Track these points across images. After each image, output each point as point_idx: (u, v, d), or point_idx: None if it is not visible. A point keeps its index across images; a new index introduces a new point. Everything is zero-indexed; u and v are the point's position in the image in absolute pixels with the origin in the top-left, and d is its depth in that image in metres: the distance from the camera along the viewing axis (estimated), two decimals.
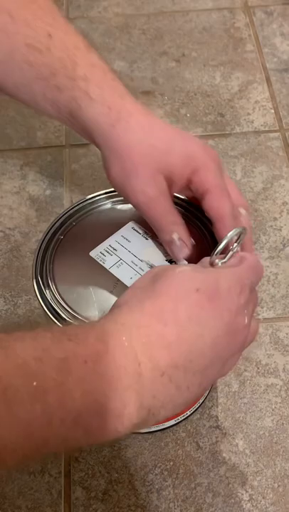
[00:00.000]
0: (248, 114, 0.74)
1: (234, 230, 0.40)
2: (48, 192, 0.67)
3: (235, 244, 0.39)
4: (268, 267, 0.61)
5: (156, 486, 0.49)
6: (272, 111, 0.74)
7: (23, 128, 0.73)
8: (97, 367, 0.31)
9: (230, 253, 0.39)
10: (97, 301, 0.43)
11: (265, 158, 0.70)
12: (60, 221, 0.48)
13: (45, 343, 0.31)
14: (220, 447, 0.51)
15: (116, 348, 0.32)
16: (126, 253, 0.46)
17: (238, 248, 0.40)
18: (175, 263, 0.45)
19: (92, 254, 0.46)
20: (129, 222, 0.48)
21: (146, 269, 0.45)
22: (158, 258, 0.46)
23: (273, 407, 0.53)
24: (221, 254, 0.39)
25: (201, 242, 0.46)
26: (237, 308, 0.37)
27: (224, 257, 0.39)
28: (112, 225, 0.48)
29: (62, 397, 0.30)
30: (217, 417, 0.53)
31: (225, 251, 0.39)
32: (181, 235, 0.44)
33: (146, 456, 0.51)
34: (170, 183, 0.44)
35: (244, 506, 0.49)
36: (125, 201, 0.48)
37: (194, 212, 0.48)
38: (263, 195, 0.66)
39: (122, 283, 0.44)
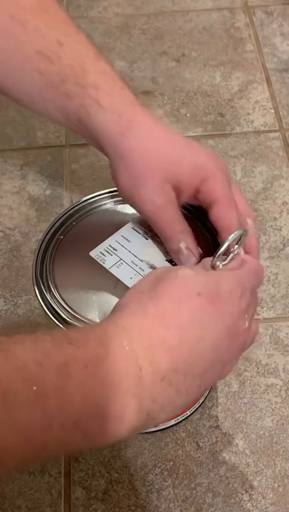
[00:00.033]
0: (248, 114, 0.74)
1: (235, 233, 0.40)
2: (48, 192, 0.67)
3: (236, 246, 0.40)
4: (268, 266, 0.61)
5: (156, 486, 0.49)
6: (272, 111, 0.74)
7: (23, 128, 0.73)
8: (97, 371, 0.31)
9: (231, 255, 0.39)
10: (97, 301, 0.43)
11: (265, 158, 0.70)
12: (60, 221, 0.48)
13: (46, 347, 0.31)
14: (220, 447, 0.51)
15: (116, 351, 0.32)
16: (126, 253, 0.46)
17: (239, 250, 0.40)
18: (175, 263, 0.45)
19: (92, 254, 0.46)
20: (129, 222, 0.48)
21: (147, 269, 0.45)
22: (158, 258, 0.46)
23: (273, 407, 0.53)
24: (223, 255, 0.40)
25: (200, 241, 0.45)
26: (238, 312, 0.37)
27: (225, 259, 0.39)
28: (112, 225, 0.48)
29: (63, 401, 0.30)
30: (217, 417, 0.53)
31: (226, 253, 0.40)
32: (188, 243, 0.43)
33: (146, 456, 0.51)
34: (178, 192, 0.44)
35: (244, 506, 0.49)
36: (125, 201, 0.48)
37: (194, 212, 0.48)
38: (263, 195, 0.66)
39: (122, 283, 0.44)
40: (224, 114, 0.74)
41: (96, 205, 0.49)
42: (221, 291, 0.36)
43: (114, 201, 0.50)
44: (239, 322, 0.37)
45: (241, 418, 0.53)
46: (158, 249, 0.46)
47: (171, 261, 0.45)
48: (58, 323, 0.42)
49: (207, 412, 0.53)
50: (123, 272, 0.45)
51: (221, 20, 0.84)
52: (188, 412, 0.52)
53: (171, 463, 0.50)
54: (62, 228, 0.47)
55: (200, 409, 0.53)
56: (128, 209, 0.48)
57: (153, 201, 0.43)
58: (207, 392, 0.53)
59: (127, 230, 0.48)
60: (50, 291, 0.43)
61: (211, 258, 0.40)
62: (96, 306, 0.43)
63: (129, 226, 0.48)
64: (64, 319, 0.42)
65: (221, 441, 0.51)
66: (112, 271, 0.45)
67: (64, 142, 0.71)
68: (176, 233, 0.44)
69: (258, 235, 0.63)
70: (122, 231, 0.47)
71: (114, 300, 0.43)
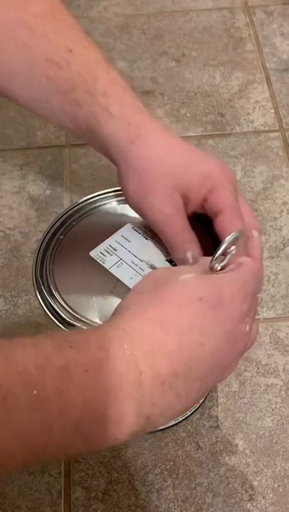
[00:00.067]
0: (248, 113, 0.74)
1: (231, 235, 0.40)
2: (48, 192, 0.67)
3: (233, 247, 0.40)
4: (268, 266, 0.61)
5: (156, 486, 0.49)
6: (272, 111, 0.74)
7: (23, 128, 0.73)
8: (98, 375, 0.31)
9: (229, 256, 0.39)
10: (97, 301, 0.43)
11: (265, 158, 0.70)
12: (60, 221, 0.48)
13: (46, 350, 0.31)
14: (220, 447, 0.51)
15: (117, 355, 0.32)
16: (126, 253, 0.46)
17: (236, 251, 0.40)
18: (175, 263, 0.45)
19: (92, 254, 0.46)
20: (129, 222, 0.48)
21: (147, 269, 0.45)
22: (158, 258, 0.46)
23: (273, 407, 0.53)
24: (221, 256, 0.40)
25: (205, 249, 0.45)
26: (240, 317, 0.37)
27: (223, 260, 0.39)
28: (112, 225, 0.48)
29: (63, 404, 0.29)
30: (217, 417, 0.53)
31: (224, 255, 0.40)
32: (194, 253, 0.43)
33: (146, 456, 0.51)
34: (186, 201, 0.43)
35: (244, 506, 0.49)
36: (125, 201, 0.48)
37: (199, 219, 0.47)
38: (263, 195, 0.66)
39: (122, 283, 0.44)
40: (224, 114, 0.74)
41: (96, 205, 0.49)
42: (223, 297, 0.36)
43: (115, 201, 0.50)
44: (240, 326, 0.37)
45: (241, 418, 0.53)
46: (158, 249, 0.46)
47: (171, 261, 0.45)
48: (57, 323, 0.42)
49: (207, 412, 0.53)
50: (123, 272, 0.45)
51: (221, 20, 0.84)
52: (188, 412, 0.52)
53: (171, 463, 0.51)
54: (62, 228, 0.47)
55: (200, 409, 0.53)
56: (128, 209, 0.48)
57: (162, 210, 0.43)
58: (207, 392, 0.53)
59: (127, 230, 0.48)
60: (50, 291, 0.43)
61: (209, 258, 0.40)
62: (96, 306, 0.43)
63: (129, 226, 0.48)
64: (64, 319, 0.42)
65: (221, 441, 0.51)
66: (112, 271, 0.45)
67: (64, 142, 0.71)
68: (183, 243, 0.43)
69: None
70: (122, 231, 0.47)
71: (114, 300, 0.43)
